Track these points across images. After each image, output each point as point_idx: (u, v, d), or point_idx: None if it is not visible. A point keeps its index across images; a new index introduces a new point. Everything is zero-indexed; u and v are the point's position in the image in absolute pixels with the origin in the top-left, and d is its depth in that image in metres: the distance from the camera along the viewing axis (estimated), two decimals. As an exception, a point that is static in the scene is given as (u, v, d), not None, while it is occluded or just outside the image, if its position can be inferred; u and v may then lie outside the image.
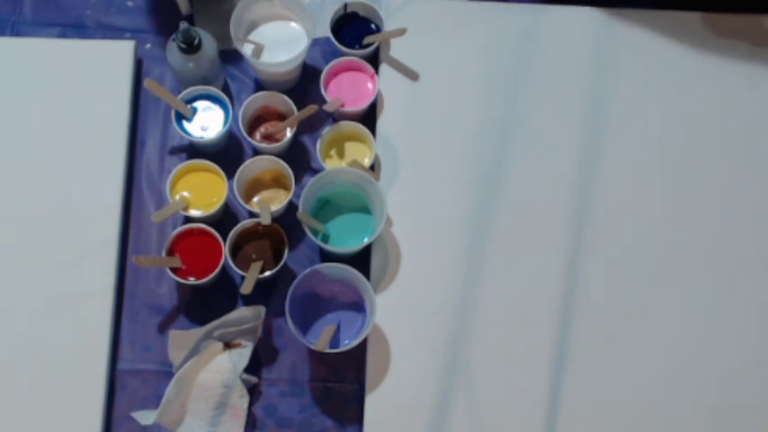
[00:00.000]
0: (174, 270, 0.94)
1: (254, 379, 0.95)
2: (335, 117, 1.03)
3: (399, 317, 0.97)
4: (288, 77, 1.03)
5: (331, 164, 1.00)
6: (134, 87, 1.04)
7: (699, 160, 1.03)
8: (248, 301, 0.97)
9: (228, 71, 1.06)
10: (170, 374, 0.94)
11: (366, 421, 0.94)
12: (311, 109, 0.98)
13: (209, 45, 0.97)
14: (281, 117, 1.01)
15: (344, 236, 0.98)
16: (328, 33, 1.02)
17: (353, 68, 1.02)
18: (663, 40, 1.06)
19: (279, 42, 1.01)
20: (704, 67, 1.05)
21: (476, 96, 1.04)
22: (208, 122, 0.99)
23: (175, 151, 1.03)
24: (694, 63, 1.06)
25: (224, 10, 1.07)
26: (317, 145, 0.98)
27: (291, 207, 0.99)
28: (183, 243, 0.95)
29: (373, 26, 1.04)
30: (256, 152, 1.01)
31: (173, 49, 0.96)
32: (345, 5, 1.03)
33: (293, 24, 1.02)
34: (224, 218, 1.00)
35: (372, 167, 0.99)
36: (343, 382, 0.97)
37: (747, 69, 1.06)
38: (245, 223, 0.95)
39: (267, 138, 1.00)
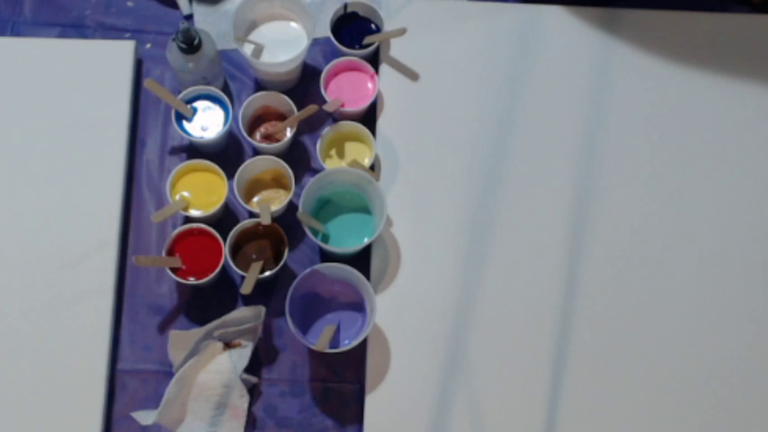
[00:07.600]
0: (174, 270, 0.94)
1: (254, 379, 0.95)
2: (335, 117, 1.03)
3: (399, 317, 0.97)
4: (288, 77, 1.03)
5: (331, 164, 1.00)
6: (134, 87, 1.04)
7: (698, 159, 1.03)
8: (248, 301, 0.97)
9: (228, 71, 1.06)
10: (170, 374, 0.94)
11: (366, 421, 0.94)
12: (311, 109, 0.98)
13: (209, 45, 0.97)
14: (281, 117, 1.01)
15: (344, 236, 0.98)
16: (328, 33, 1.02)
17: (353, 68, 1.02)
18: (662, 39, 1.06)
19: (279, 42, 1.01)
20: (704, 66, 1.05)
21: (476, 96, 1.04)
22: (208, 122, 0.99)
23: (175, 151, 1.03)
24: (694, 63, 1.06)
25: (224, 10, 1.07)
26: (317, 145, 0.98)
27: (291, 207, 0.99)
28: (183, 243, 0.95)
29: (373, 26, 1.04)
30: (256, 152, 1.01)
31: (173, 49, 0.96)
32: (345, 5, 1.03)
33: (293, 24, 1.02)
34: (224, 218, 1.00)
35: (372, 167, 0.99)
36: (343, 382, 0.97)
37: (748, 69, 1.05)
38: (245, 223, 0.95)
39: (267, 138, 1.00)
